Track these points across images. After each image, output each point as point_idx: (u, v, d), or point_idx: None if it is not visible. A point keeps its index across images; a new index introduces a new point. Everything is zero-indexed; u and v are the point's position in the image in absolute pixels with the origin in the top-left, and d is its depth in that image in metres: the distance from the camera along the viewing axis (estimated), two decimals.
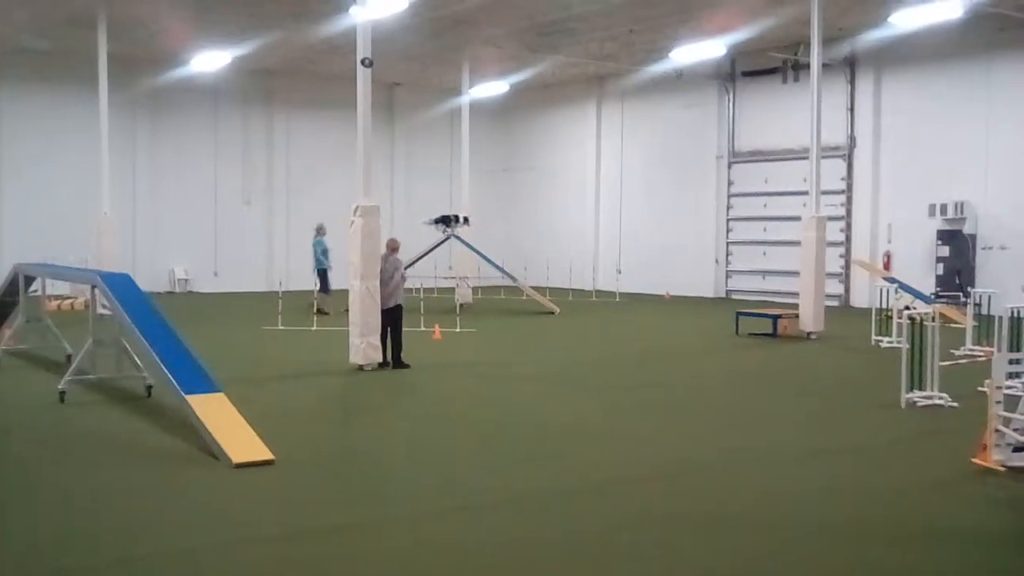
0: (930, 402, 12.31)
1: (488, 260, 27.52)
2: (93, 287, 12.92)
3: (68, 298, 24.13)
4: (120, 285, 12.28)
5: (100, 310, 13.36)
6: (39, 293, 16.09)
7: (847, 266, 28.35)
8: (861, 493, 8.48)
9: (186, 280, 32.09)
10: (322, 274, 25.02)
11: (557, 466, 9.35)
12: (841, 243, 28.30)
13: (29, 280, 15.95)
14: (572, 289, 32.45)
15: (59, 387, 12.13)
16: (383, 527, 7.38)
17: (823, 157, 21.54)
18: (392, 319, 15.55)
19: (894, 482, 8.90)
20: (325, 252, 25.07)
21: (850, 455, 10.02)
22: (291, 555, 6.71)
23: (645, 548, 6.96)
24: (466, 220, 27.01)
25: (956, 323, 19.70)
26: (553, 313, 25.60)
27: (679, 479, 8.95)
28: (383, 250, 15.74)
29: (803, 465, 9.56)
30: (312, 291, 24.49)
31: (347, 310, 15.83)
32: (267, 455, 9.12)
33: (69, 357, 14.38)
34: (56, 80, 29.40)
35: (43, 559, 6.62)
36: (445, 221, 26.90)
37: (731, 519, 7.66)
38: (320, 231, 25.40)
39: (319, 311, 23.69)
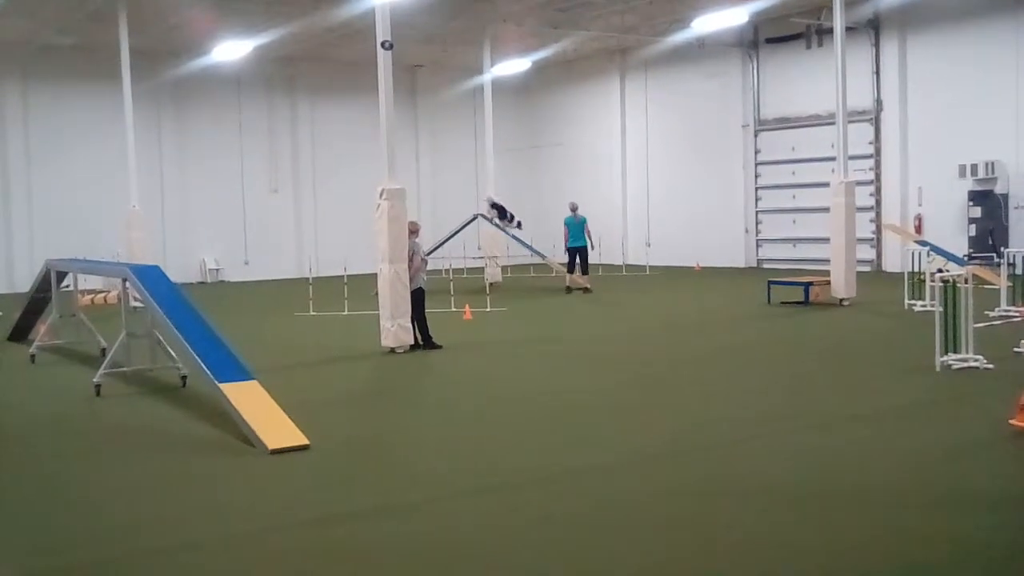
0: (965, 365, 12.21)
1: (517, 239, 27.51)
2: (124, 280, 13.01)
3: (100, 292, 24.33)
4: (150, 277, 12.36)
5: (132, 303, 13.45)
6: (71, 288, 16.23)
7: (878, 231, 28.07)
8: (897, 457, 8.42)
9: (217, 270, 32.27)
10: (577, 251, 25.19)
11: (592, 442, 9.35)
12: (871, 208, 28.04)
13: (61, 276, 16.11)
14: (602, 264, 32.37)
15: (95, 380, 12.23)
16: (419, 508, 7.40)
17: (850, 121, 21.34)
18: (413, 302, 15.51)
19: (930, 446, 8.84)
20: (580, 229, 25.28)
21: (885, 419, 9.96)
22: (329, 539, 6.75)
23: (679, 519, 6.96)
24: (519, 224, 27.11)
25: (990, 284, 19.53)
26: (584, 289, 25.54)
27: (713, 450, 8.91)
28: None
29: (837, 430, 9.51)
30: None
31: (376, 293, 15.86)
32: (302, 440, 9.17)
33: (103, 351, 14.51)
34: (80, 76, 29.59)
35: (83, 550, 6.70)
36: (501, 212, 26.83)
37: (765, 486, 7.64)
38: (574, 209, 25.64)
39: (585, 289, 24.32)
